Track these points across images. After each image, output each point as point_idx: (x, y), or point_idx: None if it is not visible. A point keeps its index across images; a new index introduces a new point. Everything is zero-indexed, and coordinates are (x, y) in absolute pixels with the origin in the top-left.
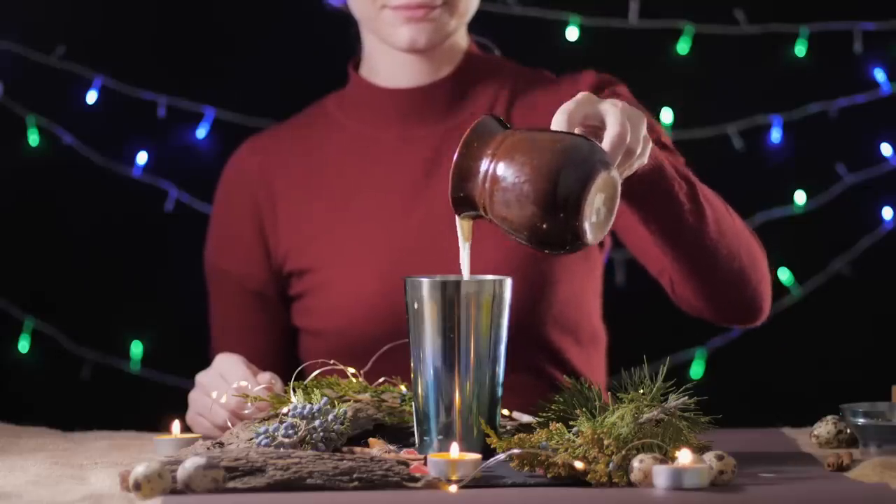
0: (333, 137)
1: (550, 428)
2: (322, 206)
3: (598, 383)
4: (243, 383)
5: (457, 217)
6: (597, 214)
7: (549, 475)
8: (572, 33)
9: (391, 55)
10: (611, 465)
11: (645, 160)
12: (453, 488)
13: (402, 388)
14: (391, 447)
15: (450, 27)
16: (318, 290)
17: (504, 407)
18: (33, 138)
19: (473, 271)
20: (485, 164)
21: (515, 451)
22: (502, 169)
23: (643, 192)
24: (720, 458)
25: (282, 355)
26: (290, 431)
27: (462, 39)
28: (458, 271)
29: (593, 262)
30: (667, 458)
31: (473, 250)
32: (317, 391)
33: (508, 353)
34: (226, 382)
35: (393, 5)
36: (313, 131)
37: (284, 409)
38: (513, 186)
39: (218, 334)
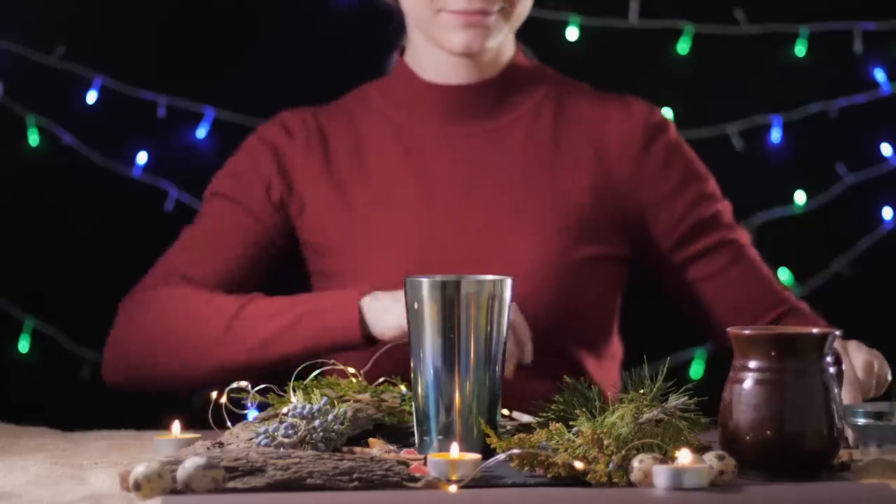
0: (373, 124)
1: (550, 428)
2: (354, 193)
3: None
4: (242, 383)
5: None
6: None
7: (549, 475)
8: (572, 33)
9: (437, 54)
10: (611, 465)
11: None
12: (453, 488)
13: (402, 388)
14: (391, 447)
15: (502, 32)
16: (341, 276)
17: (524, 410)
18: (33, 138)
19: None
20: None
21: (515, 451)
22: None
23: None
24: (720, 458)
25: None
26: (290, 431)
27: (509, 45)
28: (496, 271)
29: (621, 279)
30: (667, 458)
31: (510, 263)
32: (317, 391)
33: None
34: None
35: (450, 9)
36: (354, 115)
37: (284, 409)
38: None
39: (188, 248)
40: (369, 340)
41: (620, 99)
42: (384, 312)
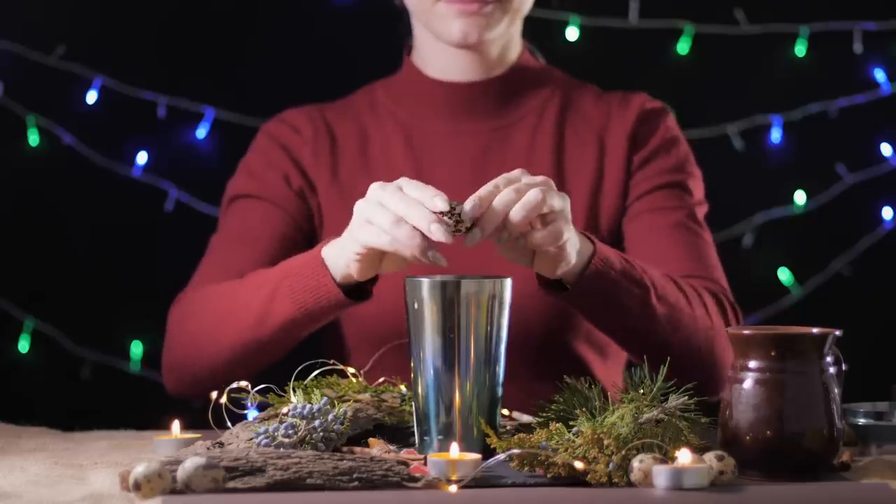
0: (380, 122)
1: (550, 428)
2: (361, 190)
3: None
4: (243, 383)
5: None
6: None
7: (549, 475)
8: (572, 33)
9: (442, 48)
10: (611, 465)
11: (563, 239)
12: (453, 488)
13: (402, 388)
14: (391, 447)
15: (502, 24)
16: None
17: (526, 410)
18: (33, 138)
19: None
20: None
21: (515, 451)
22: None
23: (584, 293)
24: (720, 458)
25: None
26: (290, 431)
27: (515, 44)
28: (497, 271)
29: None
30: (667, 458)
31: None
32: (317, 391)
33: (536, 364)
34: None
35: None
36: (361, 113)
37: (284, 409)
38: None
39: (220, 250)
40: (358, 289)
41: (624, 95)
42: (337, 258)
